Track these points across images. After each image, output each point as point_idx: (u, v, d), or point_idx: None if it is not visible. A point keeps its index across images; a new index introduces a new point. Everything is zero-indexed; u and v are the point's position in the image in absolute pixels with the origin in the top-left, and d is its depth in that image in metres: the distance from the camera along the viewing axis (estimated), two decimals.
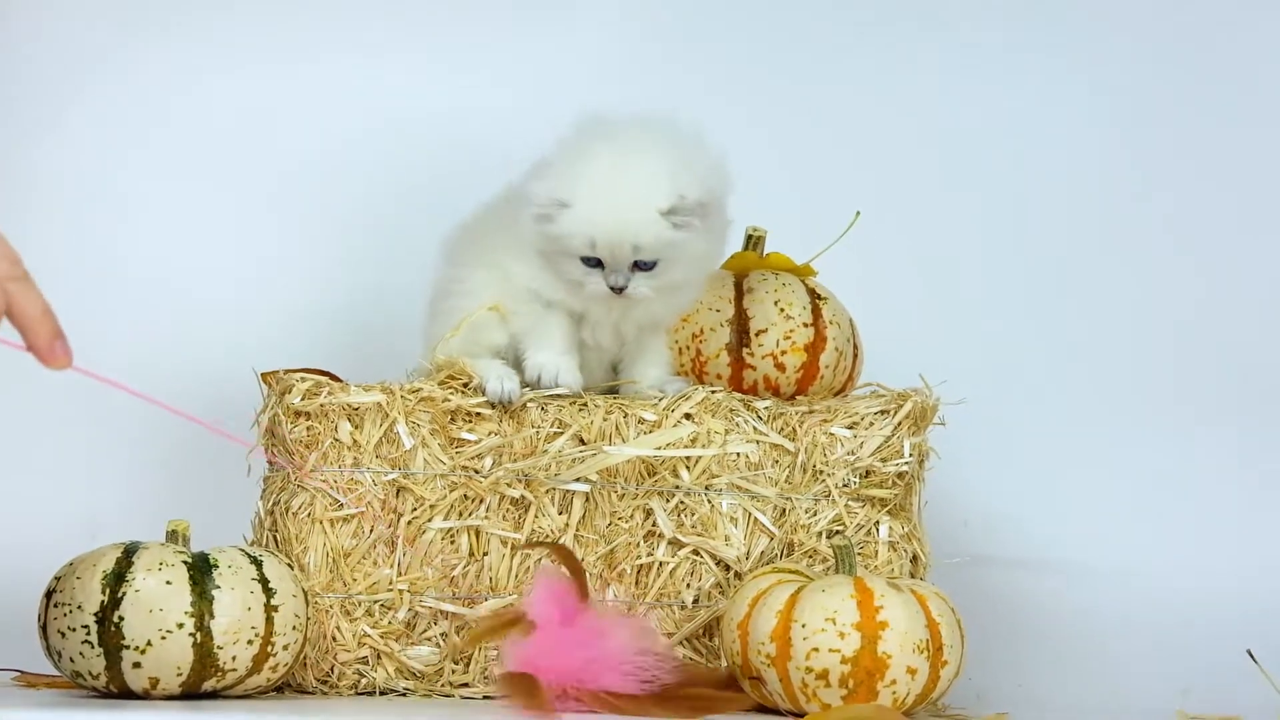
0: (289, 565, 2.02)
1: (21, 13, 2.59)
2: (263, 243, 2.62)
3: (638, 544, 2.10)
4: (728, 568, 2.10)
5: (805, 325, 2.18)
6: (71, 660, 1.94)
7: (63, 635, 1.94)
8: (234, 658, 1.94)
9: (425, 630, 2.09)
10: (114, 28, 2.62)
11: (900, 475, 2.12)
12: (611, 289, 2.04)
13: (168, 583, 1.93)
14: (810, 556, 2.10)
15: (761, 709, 1.99)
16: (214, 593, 1.93)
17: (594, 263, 2.04)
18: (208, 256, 2.61)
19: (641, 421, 2.10)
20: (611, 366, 2.18)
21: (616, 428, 2.09)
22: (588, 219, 2.02)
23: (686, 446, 2.09)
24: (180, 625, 1.92)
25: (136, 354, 2.58)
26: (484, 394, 2.09)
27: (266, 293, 2.61)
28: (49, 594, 1.97)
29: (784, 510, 2.11)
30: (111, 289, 2.60)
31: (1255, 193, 2.65)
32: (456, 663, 2.10)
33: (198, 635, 1.92)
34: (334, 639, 2.09)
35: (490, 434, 2.09)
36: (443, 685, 2.09)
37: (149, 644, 1.91)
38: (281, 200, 2.63)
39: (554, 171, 2.04)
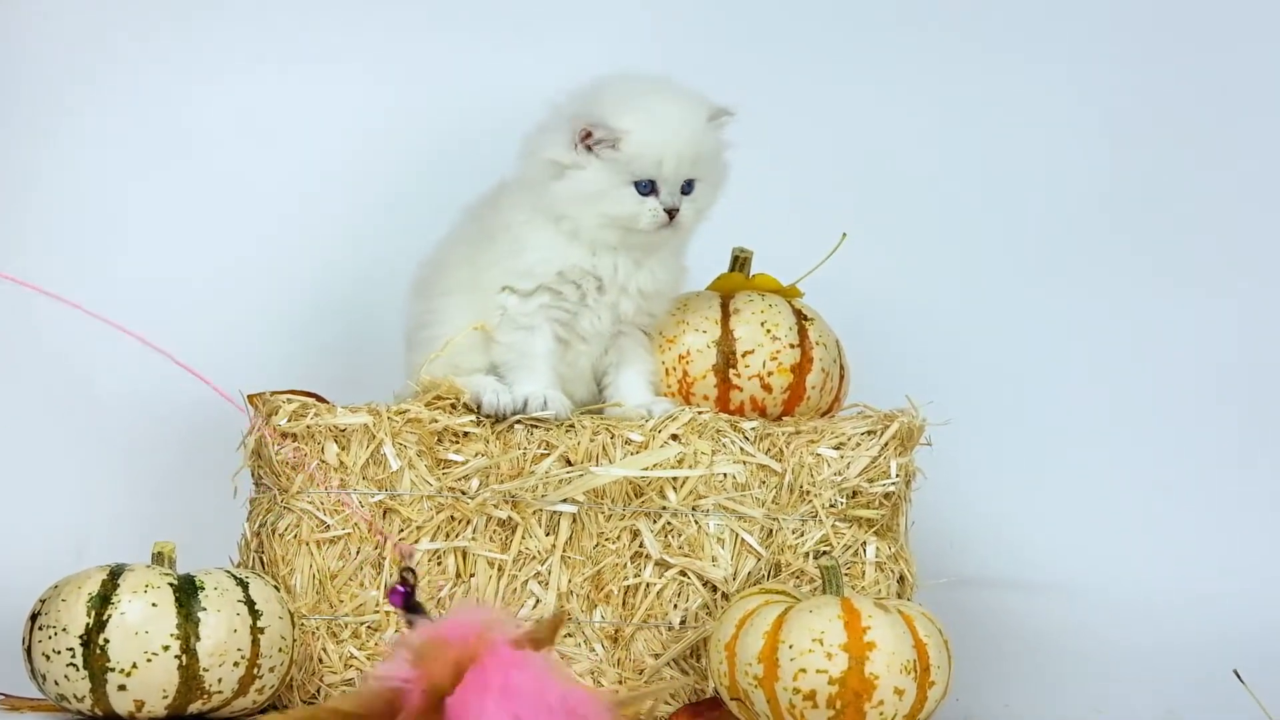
0: (275, 587, 2.02)
1: (18, 18, 2.59)
2: (250, 264, 2.62)
3: (625, 565, 2.10)
4: (715, 588, 2.10)
5: (792, 346, 2.18)
6: (56, 683, 1.94)
7: (47, 658, 1.93)
8: (220, 680, 1.93)
9: None
10: (104, 40, 2.62)
11: (887, 496, 2.12)
12: (667, 212, 2.08)
13: (153, 605, 1.92)
14: (797, 577, 2.10)
15: None
16: (200, 615, 1.93)
17: (647, 189, 2.08)
18: (195, 277, 2.61)
19: (628, 442, 2.10)
20: (596, 381, 2.18)
21: (603, 449, 2.09)
22: (653, 135, 2.06)
23: (673, 467, 2.09)
24: (166, 648, 1.91)
25: (124, 373, 2.58)
26: (479, 408, 2.09)
27: (254, 314, 2.60)
28: (33, 616, 1.96)
29: (771, 531, 2.11)
30: (99, 305, 2.59)
31: (1246, 201, 2.66)
32: None
33: (183, 658, 1.92)
34: (320, 660, 2.08)
35: (477, 455, 2.09)
36: None
37: (134, 667, 1.91)
38: (270, 218, 2.62)
39: (602, 106, 2.07)
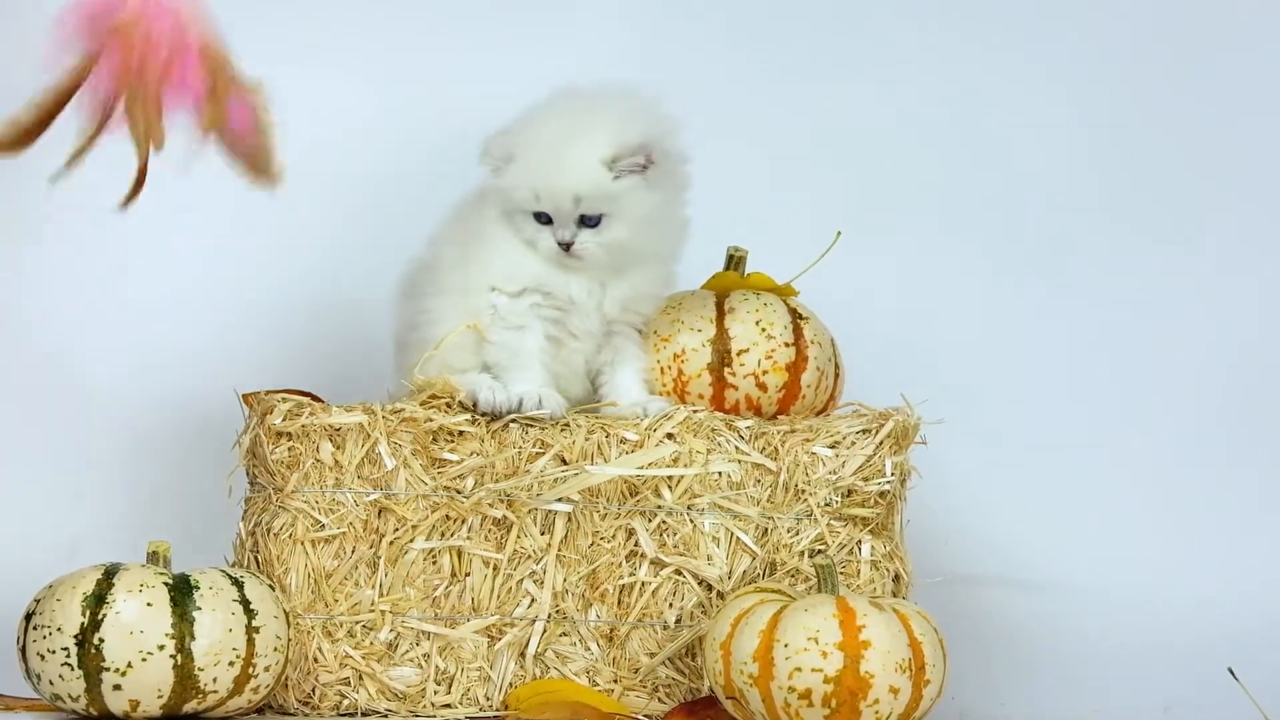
0: (270, 586, 2.02)
1: (16, 17, 2.59)
2: (245, 263, 2.62)
3: (620, 564, 2.10)
4: (710, 587, 2.10)
5: (787, 345, 2.18)
6: (51, 683, 1.93)
7: (42, 658, 1.93)
8: (215, 679, 1.93)
9: (407, 651, 2.09)
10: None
11: (882, 494, 2.12)
12: (560, 245, 2.06)
13: (148, 604, 1.92)
14: (792, 576, 2.10)
15: None
16: (195, 614, 1.93)
17: (545, 220, 2.07)
18: (190, 276, 2.60)
19: (623, 441, 2.09)
20: (590, 379, 2.18)
21: (598, 447, 2.09)
22: (529, 170, 2.06)
23: (668, 466, 2.09)
24: (161, 647, 1.91)
25: (118, 373, 2.58)
26: (475, 405, 2.09)
27: (249, 314, 2.60)
28: (28, 616, 1.96)
29: (766, 530, 2.11)
30: (97, 306, 2.59)
31: (1243, 202, 2.66)
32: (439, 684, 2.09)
33: (178, 657, 1.92)
34: (316, 660, 2.08)
35: (472, 454, 2.09)
36: (424, 706, 2.08)
37: (129, 666, 1.91)
38: (264, 217, 2.62)
39: (507, 129, 2.09)
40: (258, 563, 2.09)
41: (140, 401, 2.57)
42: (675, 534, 2.10)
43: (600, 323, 2.13)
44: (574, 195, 2.05)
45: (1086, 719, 2.24)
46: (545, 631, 2.09)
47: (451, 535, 2.09)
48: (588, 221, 2.07)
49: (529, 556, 2.09)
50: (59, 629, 1.92)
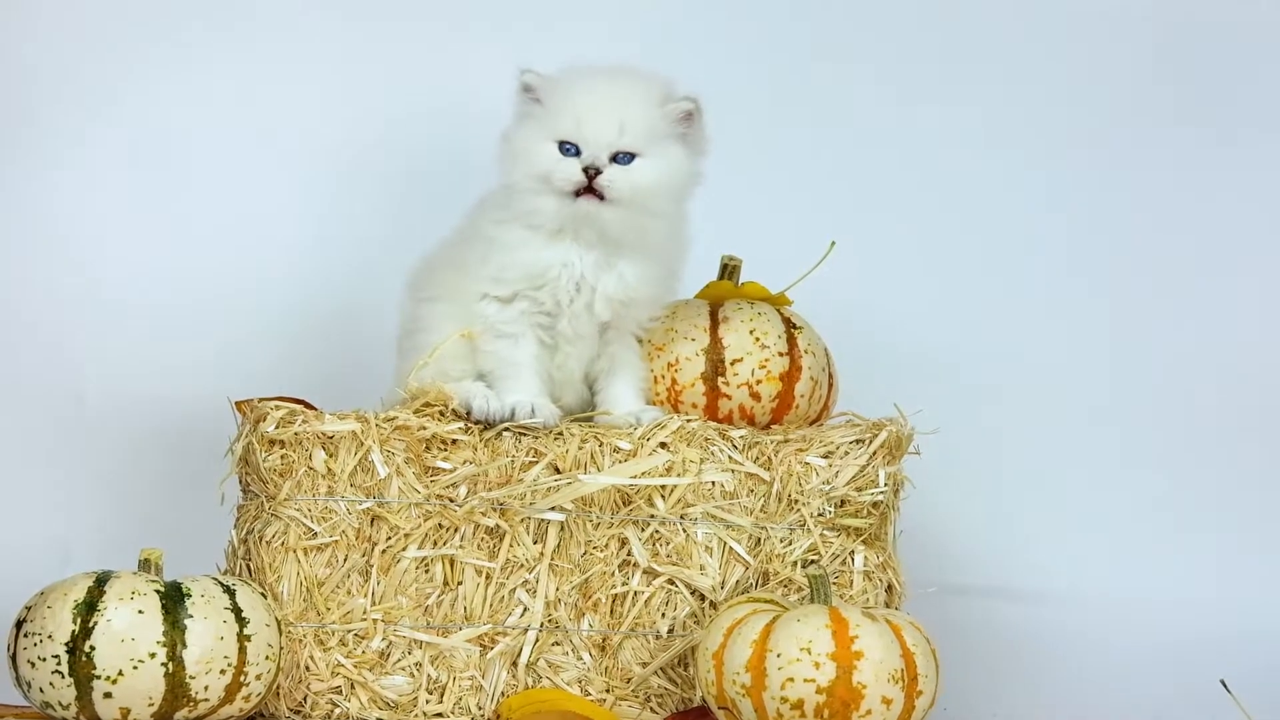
0: (262, 594, 2.01)
1: (13, 24, 2.59)
2: (239, 270, 2.61)
3: (613, 573, 2.10)
4: (703, 597, 2.10)
5: (780, 354, 2.18)
6: (41, 690, 1.93)
7: (32, 665, 1.93)
8: (206, 688, 1.93)
9: (399, 660, 2.09)
10: (97, 47, 2.61)
11: (875, 504, 2.12)
12: (585, 171, 2.00)
13: (140, 612, 1.92)
14: (785, 586, 2.10)
15: None
16: (186, 622, 1.92)
17: (570, 151, 2.02)
18: (184, 283, 2.60)
19: (617, 450, 2.09)
20: (588, 386, 2.18)
21: (592, 456, 2.09)
22: (578, 94, 2.02)
23: (662, 475, 2.09)
24: (152, 655, 1.91)
25: (112, 380, 2.57)
26: (469, 412, 2.09)
27: (242, 321, 2.60)
28: (19, 623, 1.96)
29: (759, 539, 2.11)
30: (90, 313, 2.59)
31: (1241, 207, 2.67)
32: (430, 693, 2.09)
33: (170, 665, 1.91)
34: (307, 668, 2.08)
35: (465, 462, 2.09)
36: (416, 715, 2.08)
37: (120, 674, 1.90)
38: (258, 224, 2.62)
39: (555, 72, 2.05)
40: (250, 571, 2.09)
41: (133, 408, 2.57)
42: (668, 543, 2.10)
43: (592, 324, 2.13)
44: (620, 122, 2.00)
45: None
46: (537, 641, 2.08)
47: (444, 544, 2.09)
48: (620, 159, 2.03)
49: (521, 565, 2.09)
50: (50, 636, 1.91)
